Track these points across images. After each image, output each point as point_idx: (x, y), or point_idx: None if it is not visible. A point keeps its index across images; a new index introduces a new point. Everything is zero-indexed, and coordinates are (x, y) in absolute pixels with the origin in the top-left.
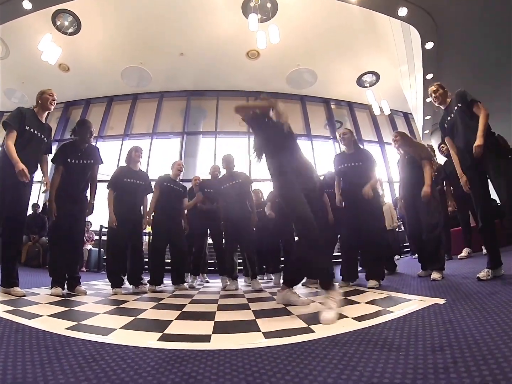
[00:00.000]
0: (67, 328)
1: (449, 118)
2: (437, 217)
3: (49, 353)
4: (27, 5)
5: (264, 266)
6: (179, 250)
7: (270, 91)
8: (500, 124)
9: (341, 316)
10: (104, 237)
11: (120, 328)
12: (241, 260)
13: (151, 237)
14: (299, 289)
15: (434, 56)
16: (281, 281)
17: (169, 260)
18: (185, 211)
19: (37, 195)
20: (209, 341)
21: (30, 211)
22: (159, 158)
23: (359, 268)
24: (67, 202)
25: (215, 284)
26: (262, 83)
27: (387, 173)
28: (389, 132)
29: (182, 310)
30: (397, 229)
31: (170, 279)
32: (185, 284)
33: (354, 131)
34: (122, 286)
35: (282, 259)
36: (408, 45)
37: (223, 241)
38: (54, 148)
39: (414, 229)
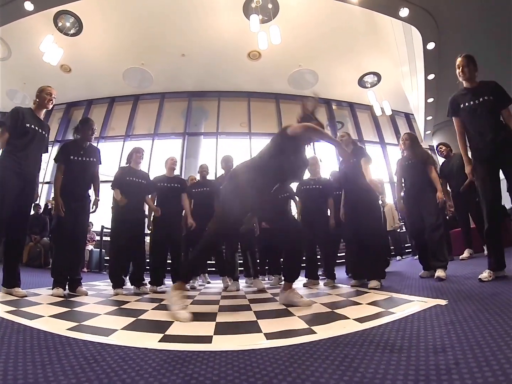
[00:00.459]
0: (68, 329)
1: (471, 103)
2: (441, 218)
3: (50, 354)
4: (29, 6)
5: (267, 267)
6: (177, 250)
7: (271, 92)
8: None
9: (343, 317)
10: (105, 238)
11: (122, 329)
12: (241, 261)
13: (150, 238)
14: (300, 289)
15: (436, 57)
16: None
17: (169, 261)
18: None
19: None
20: (211, 342)
21: (31, 212)
22: (161, 159)
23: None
24: (70, 200)
25: (216, 284)
26: (264, 84)
27: (388, 173)
28: (391, 133)
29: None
30: (398, 230)
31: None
32: (190, 286)
33: (356, 131)
34: (123, 287)
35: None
36: (410, 46)
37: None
38: (53, 148)
39: (417, 230)
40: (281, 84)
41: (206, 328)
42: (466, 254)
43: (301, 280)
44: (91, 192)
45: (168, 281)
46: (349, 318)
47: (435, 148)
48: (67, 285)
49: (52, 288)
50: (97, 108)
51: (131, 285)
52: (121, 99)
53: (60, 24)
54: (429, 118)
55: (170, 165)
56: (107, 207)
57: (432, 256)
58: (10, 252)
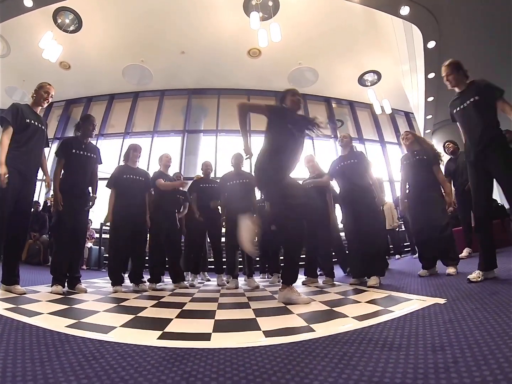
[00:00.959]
0: (67, 326)
1: (461, 107)
2: (448, 217)
3: (49, 351)
4: (28, 2)
5: (267, 265)
6: (174, 247)
7: (271, 90)
8: (503, 123)
9: (342, 315)
10: (104, 235)
11: (121, 326)
12: (240, 259)
13: (149, 235)
14: (299, 287)
15: (436, 55)
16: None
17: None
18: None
19: (39, 192)
20: (209, 340)
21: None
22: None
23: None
24: (71, 196)
25: (216, 282)
26: (264, 81)
27: (388, 172)
28: (390, 131)
29: (182, 309)
30: (397, 229)
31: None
32: (185, 282)
33: (355, 130)
34: (122, 284)
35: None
36: (410, 44)
37: (222, 240)
38: (54, 146)
39: (420, 229)
40: (281, 82)
41: (205, 325)
42: (465, 253)
43: (300, 278)
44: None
45: (166, 279)
46: (348, 316)
47: (442, 145)
48: (66, 283)
49: (51, 286)
50: (96, 105)
51: (130, 282)
52: (120, 96)
53: (59, 21)
54: (429, 117)
55: (166, 162)
56: (106, 205)
57: (443, 254)
58: (10, 250)
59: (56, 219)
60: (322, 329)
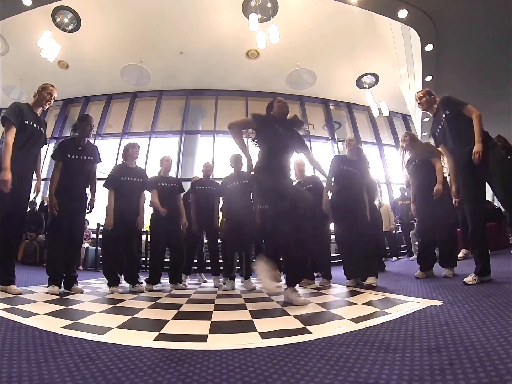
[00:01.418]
0: (63, 327)
1: (440, 127)
2: (456, 217)
3: (45, 352)
4: (27, 1)
5: None
6: (178, 250)
7: (269, 91)
8: (501, 126)
9: (338, 317)
10: (101, 236)
11: (117, 327)
12: (238, 260)
13: (150, 237)
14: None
15: (434, 59)
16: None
17: (167, 260)
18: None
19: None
20: (206, 341)
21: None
22: (158, 157)
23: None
24: (67, 199)
25: (213, 283)
26: (262, 83)
27: (385, 174)
28: (388, 134)
29: (179, 310)
30: (394, 231)
31: (168, 278)
32: (182, 284)
33: (353, 132)
34: (119, 285)
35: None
36: (408, 47)
37: (218, 241)
38: (51, 146)
39: (425, 229)
40: (279, 84)
41: (201, 327)
42: (461, 254)
43: None
44: (88, 190)
45: (164, 280)
46: (344, 318)
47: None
48: (62, 283)
49: (48, 286)
50: (94, 105)
51: (127, 283)
52: (118, 96)
53: (58, 20)
54: (426, 119)
55: (166, 166)
56: (103, 205)
57: (443, 256)
58: (5, 250)
59: (51, 220)
60: (319, 331)
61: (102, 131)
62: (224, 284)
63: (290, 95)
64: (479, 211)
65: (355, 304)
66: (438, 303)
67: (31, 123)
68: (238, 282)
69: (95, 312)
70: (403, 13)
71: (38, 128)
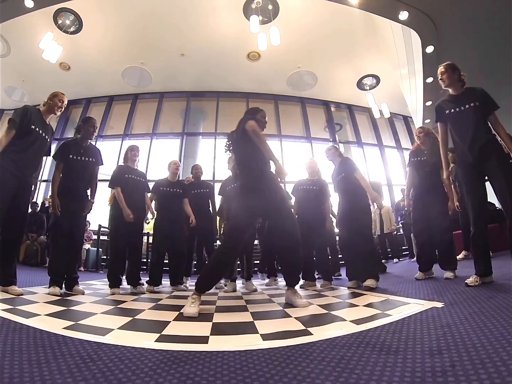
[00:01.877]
0: (64, 328)
1: (457, 109)
2: (449, 220)
3: (47, 353)
4: (29, 3)
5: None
6: (180, 253)
7: (270, 93)
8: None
9: (339, 319)
10: (102, 237)
11: (118, 328)
12: (238, 262)
13: (152, 239)
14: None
15: (434, 60)
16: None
17: (167, 261)
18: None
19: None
20: (207, 343)
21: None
22: (159, 158)
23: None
24: (68, 200)
25: None
26: (263, 84)
27: (386, 176)
28: (389, 135)
29: (180, 311)
30: (395, 232)
31: (168, 279)
32: (183, 285)
33: (354, 134)
34: (120, 286)
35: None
36: (409, 49)
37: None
38: (53, 147)
39: (420, 229)
40: (280, 85)
41: (202, 328)
42: (461, 255)
43: None
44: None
45: (165, 281)
46: (345, 320)
47: None
48: (63, 284)
49: (49, 287)
50: (95, 106)
51: (128, 284)
52: (120, 98)
53: (60, 22)
54: (427, 121)
55: (174, 170)
56: (104, 206)
57: (441, 258)
58: (7, 251)
59: (53, 222)
60: (320, 333)
61: (104, 133)
62: (225, 285)
63: (291, 96)
64: (481, 212)
65: (357, 306)
66: (439, 305)
67: (37, 129)
68: (239, 283)
69: (96, 313)
70: (403, 15)
71: (44, 135)
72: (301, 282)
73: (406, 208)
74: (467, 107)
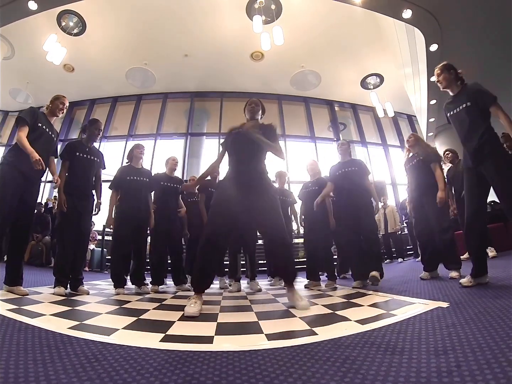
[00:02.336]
0: (69, 328)
1: (454, 111)
2: (449, 220)
3: (52, 352)
4: (32, 5)
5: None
6: (177, 252)
7: (274, 93)
8: (502, 125)
9: (344, 319)
10: (107, 237)
11: (123, 328)
12: (243, 262)
13: (150, 239)
14: (301, 291)
15: (438, 58)
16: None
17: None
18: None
19: (42, 195)
20: (212, 343)
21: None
22: (163, 159)
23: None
24: (75, 198)
25: (218, 285)
26: (266, 84)
27: (391, 175)
28: (393, 134)
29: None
30: (399, 232)
31: (172, 279)
32: (186, 285)
33: (358, 133)
34: (125, 287)
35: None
36: (413, 47)
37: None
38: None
39: (421, 230)
40: (283, 85)
41: (207, 328)
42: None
43: (302, 282)
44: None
45: (170, 281)
46: (350, 320)
47: (442, 153)
48: (68, 284)
49: (54, 287)
50: (100, 107)
51: (132, 284)
52: (123, 99)
53: (63, 24)
54: (432, 120)
55: (172, 166)
56: (107, 207)
57: (444, 258)
58: (14, 251)
59: (60, 221)
60: (325, 333)
61: (108, 134)
62: (230, 285)
63: (295, 96)
64: (476, 214)
65: (361, 305)
66: (444, 304)
67: (43, 127)
68: (243, 283)
69: (101, 313)
70: (407, 13)
71: (50, 133)
72: (306, 282)
73: (410, 214)
74: (460, 108)
